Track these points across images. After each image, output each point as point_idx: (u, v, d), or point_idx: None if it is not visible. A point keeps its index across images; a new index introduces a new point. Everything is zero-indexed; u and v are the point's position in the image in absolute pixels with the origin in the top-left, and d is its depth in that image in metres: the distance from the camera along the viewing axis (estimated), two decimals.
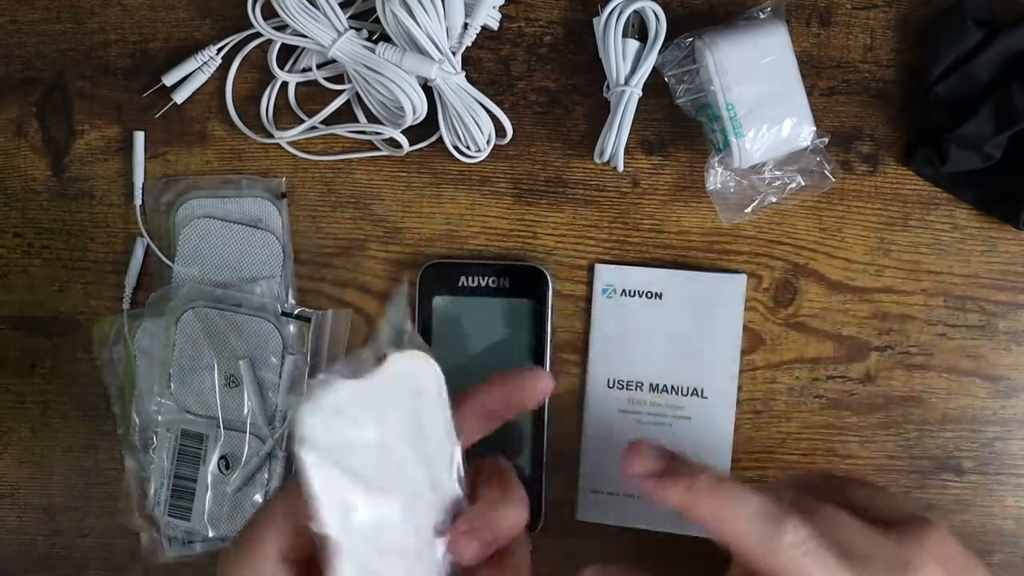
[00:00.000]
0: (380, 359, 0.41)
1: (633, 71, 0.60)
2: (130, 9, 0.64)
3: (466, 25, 0.60)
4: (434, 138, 0.63)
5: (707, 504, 0.42)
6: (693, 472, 0.43)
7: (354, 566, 0.38)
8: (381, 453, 0.40)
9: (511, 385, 0.44)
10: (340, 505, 0.38)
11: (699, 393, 0.63)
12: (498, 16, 0.62)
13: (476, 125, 0.60)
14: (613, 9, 0.59)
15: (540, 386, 0.45)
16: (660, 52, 0.60)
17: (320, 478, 0.38)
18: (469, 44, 0.60)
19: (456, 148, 0.62)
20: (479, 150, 0.62)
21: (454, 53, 0.60)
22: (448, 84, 0.59)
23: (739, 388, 0.63)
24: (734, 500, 0.41)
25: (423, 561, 0.41)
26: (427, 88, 0.61)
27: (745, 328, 0.63)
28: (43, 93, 0.64)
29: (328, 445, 0.38)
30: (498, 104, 0.61)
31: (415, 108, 0.60)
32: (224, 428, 0.63)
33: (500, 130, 0.62)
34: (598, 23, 0.60)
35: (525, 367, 0.45)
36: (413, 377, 0.41)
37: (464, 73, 0.60)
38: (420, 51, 0.59)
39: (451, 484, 0.43)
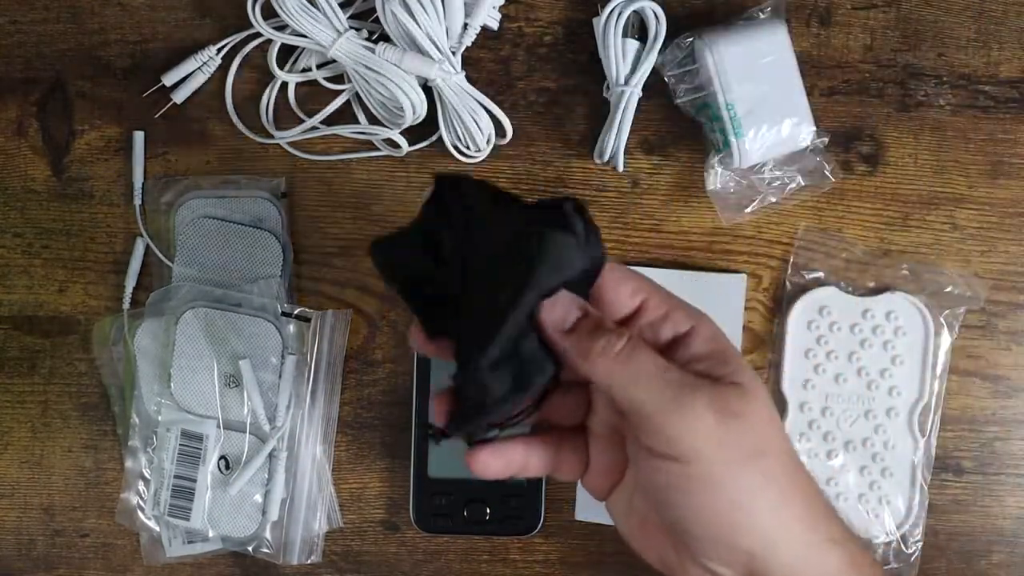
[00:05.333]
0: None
1: (633, 71, 0.60)
2: (130, 9, 0.64)
3: (466, 25, 0.60)
4: (434, 138, 0.63)
5: (618, 374, 0.42)
6: (609, 337, 0.42)
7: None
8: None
9: None
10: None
11: None
12: (498, 16, 0.62)
13: (476, 125, 0.60)
14: (613, 9, 0.59)
15: None
16: (660, 52, 0.60)
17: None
18: (469, 44, 0.60)
19: (456, 148, 0.62)
20: (479, 150, 0.62)
21: (454, 53, 0.60)
22: (448, 84, 0.59)
23: None
24: (644, 372, 0.42)
25: None
26: (427, 88, 0.61)
27: (745, 328, 0.63)
28: (43, 93, 0.64)
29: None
30: (498, 104, 0.61)
31: (415, 108, 0.60)
32: (224, 428, 0.63)
33: (500, 130, 0.62)
34: (598, 23, 0.60)
35: None
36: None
37: (464, 73, 0.60)
38: (420, 51, 0.59)
39: None
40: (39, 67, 0.64)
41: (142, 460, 0.64)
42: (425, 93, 0.60)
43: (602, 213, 0.63)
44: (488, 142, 0.61)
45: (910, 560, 0.63)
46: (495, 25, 0.62)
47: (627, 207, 0.64)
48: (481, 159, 0.62)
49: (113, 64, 0.64)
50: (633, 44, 0.60)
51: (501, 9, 0.62)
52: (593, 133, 0.62)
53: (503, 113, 0.61)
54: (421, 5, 0.57)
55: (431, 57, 0.59)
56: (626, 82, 0.60)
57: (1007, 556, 0.64)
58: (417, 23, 0.58)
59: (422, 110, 0.61)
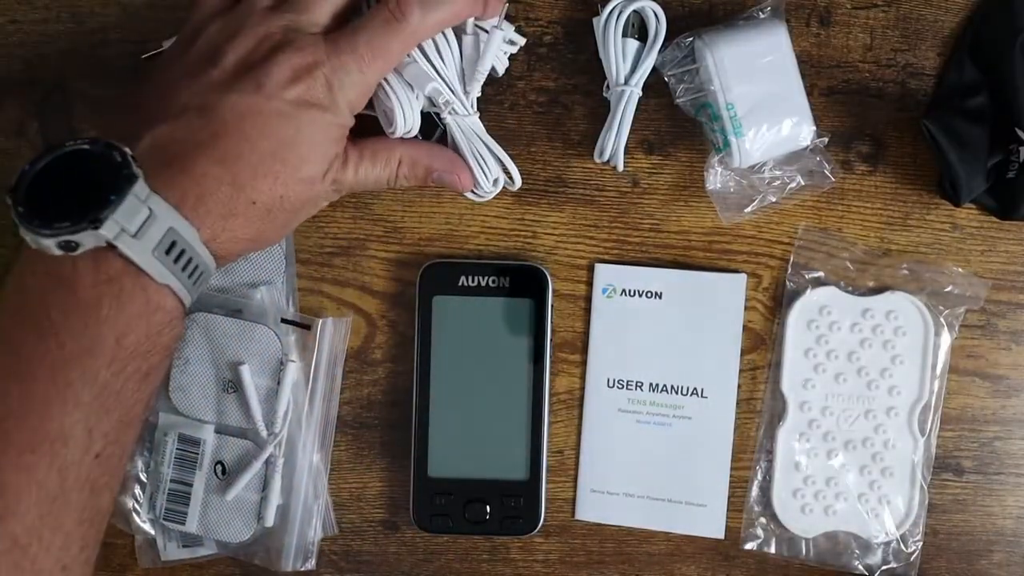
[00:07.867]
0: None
1: (633, 71, 0.60)
2: (130, 9, 0.64)
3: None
4: (434, 138, 0.62)
5: None
6: None
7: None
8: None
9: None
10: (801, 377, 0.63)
11: (699, 393, 0.63)
12: (506, 63, 0.61)
13: (481, 170, 0.59)
14: (613, 9, 0.59)
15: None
16: (660, 52, 0.60)
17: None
18: (479, 89, 0.59)
19: None
20: (486, 192, 0.60)
21: (467, 94, 0.58)
22: (460, 125, 0.58)
23: (739, 388, 0.63)
24: None
25: None
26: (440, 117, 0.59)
27: (745, 328, 0.63)
28: (43, 93, 0.64)
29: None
30: (498, 104, 0.61)
31: (406, 120, 0.58)
32: (222, 434, 0.62)
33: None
34: (598, 23, 0.60)
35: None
36: None
37: (478, 114, 0.59)
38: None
39: None
40: (39, 67, 0.64)
41: (138, 463, 0.63)
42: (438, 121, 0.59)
43: (602, 213, 0.64)
44: (495, 184, 0.60)
45: (910, 560, 0.63)
46: (501, 70, 0.61)
47: (627, 207, 0.64)
48: (486, 200, 0.61)
49: (113, 64, 0.64)
50: (633, 44, 0.60)
51: None
52: (593, 133, 0.62)
53: (512, 162, 0.59)
54: (437, 49, 0.56)
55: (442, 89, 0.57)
56: (626, 82, 0.60)
57: (1007, 556, 0.64)
58: (435, 68, 0.56)
59: (414, 126, 0.58)
